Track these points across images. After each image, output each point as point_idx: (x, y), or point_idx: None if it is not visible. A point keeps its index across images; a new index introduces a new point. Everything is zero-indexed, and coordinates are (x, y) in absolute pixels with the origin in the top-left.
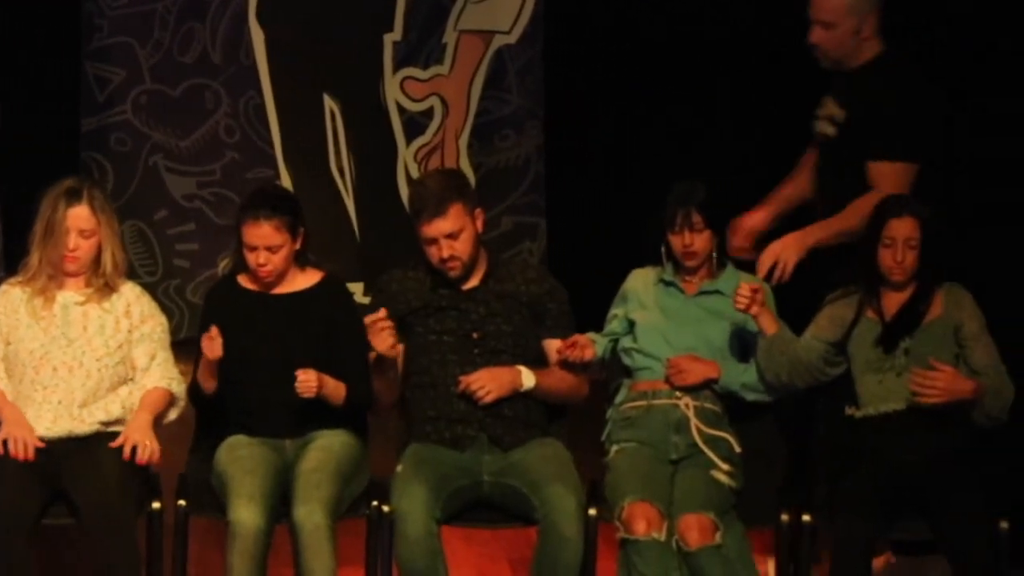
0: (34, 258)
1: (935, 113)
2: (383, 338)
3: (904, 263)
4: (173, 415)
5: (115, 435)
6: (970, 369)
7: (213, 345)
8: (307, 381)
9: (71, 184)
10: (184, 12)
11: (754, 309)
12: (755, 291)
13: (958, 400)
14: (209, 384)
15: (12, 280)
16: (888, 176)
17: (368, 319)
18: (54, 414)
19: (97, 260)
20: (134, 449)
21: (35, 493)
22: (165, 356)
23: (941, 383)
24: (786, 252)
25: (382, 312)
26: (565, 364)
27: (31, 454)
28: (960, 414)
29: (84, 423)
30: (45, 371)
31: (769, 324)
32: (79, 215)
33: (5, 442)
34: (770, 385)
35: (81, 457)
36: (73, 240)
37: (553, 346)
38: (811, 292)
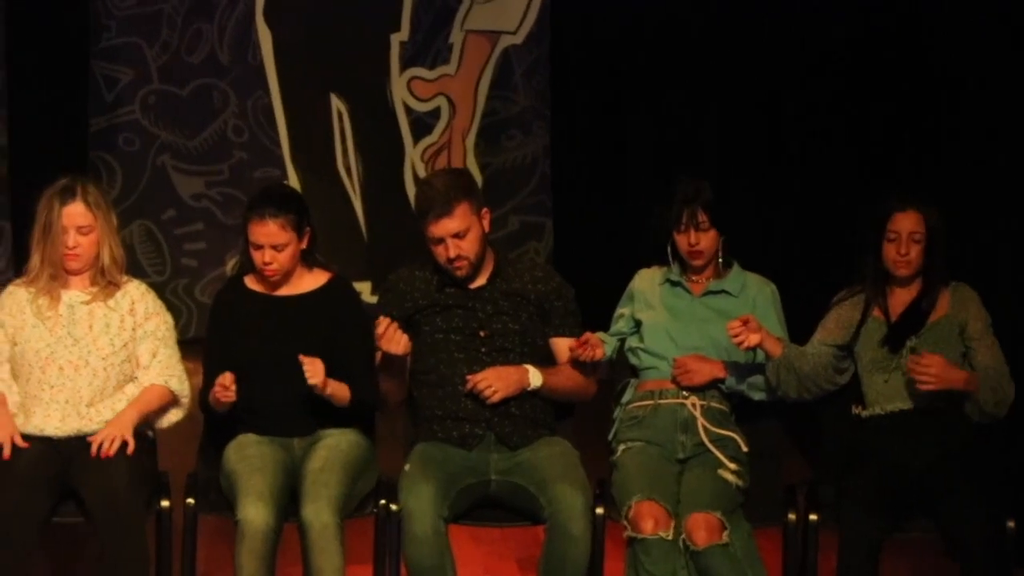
0: (35, 259)
1: None
2: (396, 341)
3: (908, 256)
4: (178, 415)
5: None
6: (973, 369)
7: (227, 394)
8: (313, 364)
9: (65, 183)
10: (192, 12)
11: (753, 340)
12: (745, 322)
13: (950, 391)
14: (221, 409)
15: (18, 281)
16: None
17: (378, 332)
18: (62, 413)
19: (97, 257)
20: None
21: (44, 492)
22: (168, 353)
23: (933, 369)
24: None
25: (384, 321)
26: (575, 363)
27: (6, 454)
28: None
29: (92, 422)
30: (52, 371)
31: (773, 347)
32: (75, 212)
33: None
34: (781, 400)
35: (90, 456)
36: (72, 238)
37: (560, 344)
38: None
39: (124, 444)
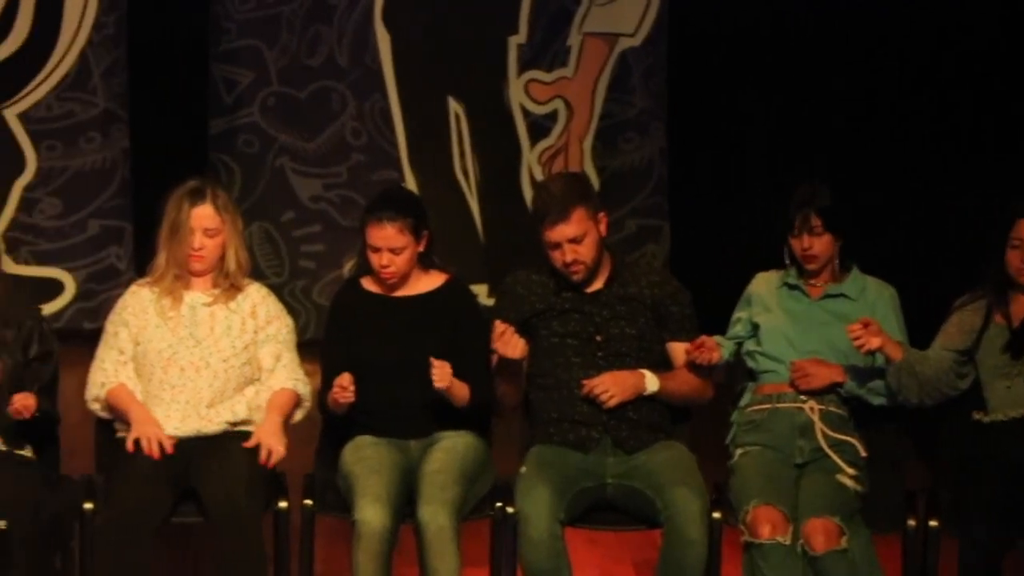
0: (161, 258)
1: None
2: (512, 345)
3: None
4: (299, 416)
5: (242, 434)
6: None
7: (345, 394)
8: (442, 367)
9: (195, 184)
10: (311, 15)
11: (874, 343)
12: (865, 325)
13: None
14: (339, 411)
15: (141, 281)
16: None
17: (495, 335)
18: (182, 414)
19: (222, 259)
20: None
21: (165, 491)
22: (291, 357)
23: None
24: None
25: (501, 324)
26: (691, 366)
27: (168, 448)
28: None
29: (211, 423)
30: (173, 371)
31: (893, 351)
32: (203, 214)
33: (137, 441)
34: (902, 405)
35: (209, 456)
36: (198, 239)
37: (677, 349)
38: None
39: (250, 445)
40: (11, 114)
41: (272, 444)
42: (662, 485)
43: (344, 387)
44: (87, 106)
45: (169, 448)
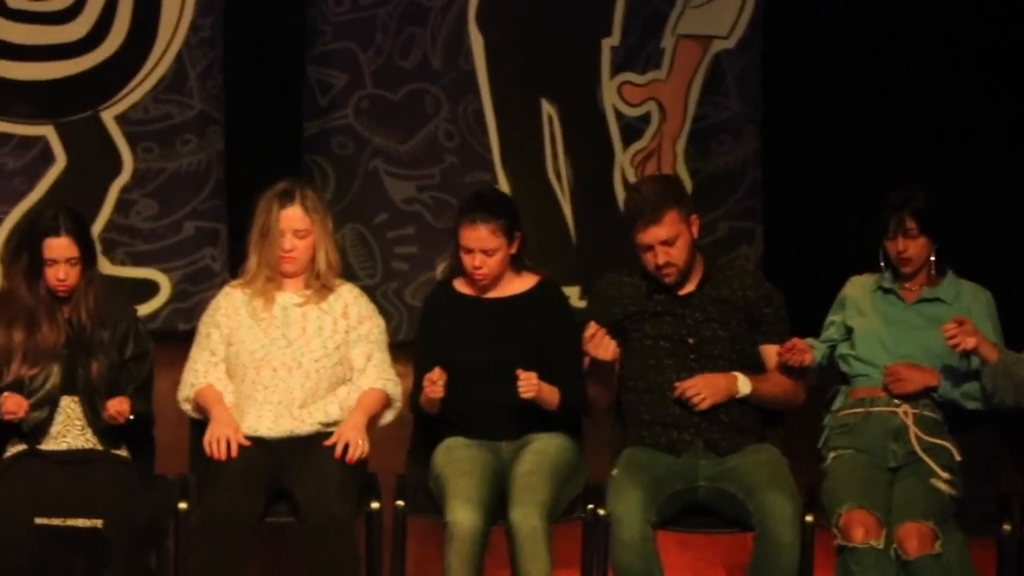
0: (252, 261)
1: None
2: (604, 347)
3: None
4: (390, 417)
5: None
6: None
7: (435, 388)
8: (528, 380)
9: (284, 186)
10: (405, 17)
11: (969, 343)
12: (961, 324)
13: None
14: (432, 410)
15: (234, 282)
16: None
17: (587, 337)
18: (275, 414)
19: (313, 260)
20: (346, 447)
21: (258, 492)
22: (382, 357)
23: None
24: None
25: (593, 326)
26: (783, 368)
27: (234, 452)
28: None
29: (304, 423)
30: (265, 372)
31: (988, 352)
32: (292, 216)
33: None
34: (996, 408)
35: (302, 457)
36: (288, 241)
37: (769, 351)
38: None
39: (331, 443)
40: (108, 116)
41: (351, 438)
42: (754, 488)
43: (434, 381)
44: (183, 108)
45: (236, 451)
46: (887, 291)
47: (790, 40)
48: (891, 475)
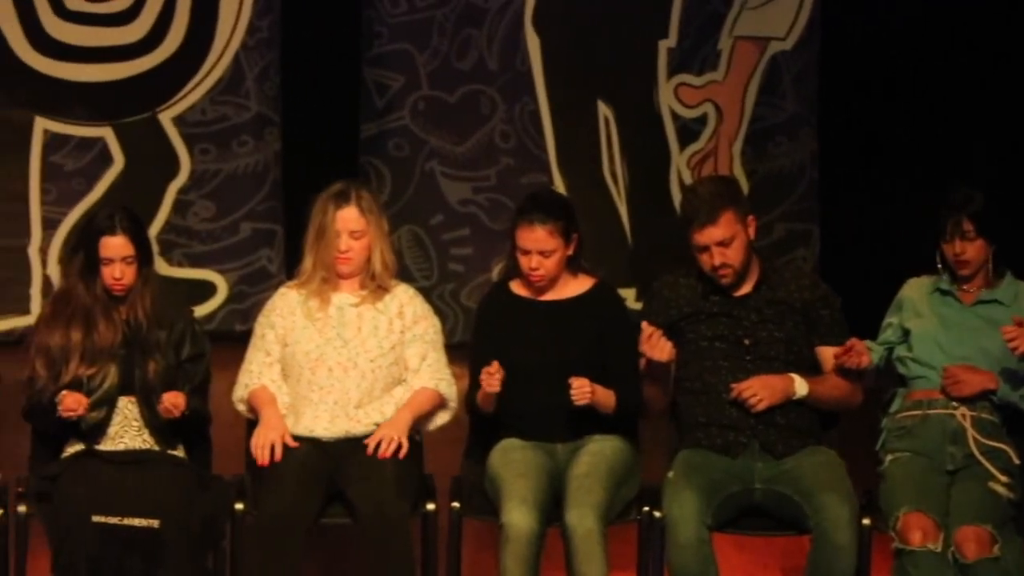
0: (308, 261)
1: None
2: (660, 348)
3: None
4: (445, 418)
5: None
6: None
7: (492, 380)
8: (581, 387)
9: (340, 187)
10: (462, 19)
11: None
12: (1020, 324)
13: None
14: (488, 407)
15: (290, 283)
16: None
17: (643, 338)
18: (331, 415)
19: (369, 261)
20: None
21: (314, 493)
22: (436, 357)
23: None
24: None
25: (649, 327)
26: (840, 371)
27: (278, 456)
28: None
29: (360, 424)
30: (321, 372)
31: None
32: (348, 217)
33: (272, 447)
34: None
35: (358, 458)
36: (344, 242)
37: (826, 353)
38: None
39: (398, 446)
40: (166, 118)
41: (387, 434)
42: (811, 490)
43: (491, 373)
44: (240, 110)
45: (279, 454)
46: (945, 293)
47: (848, 41)
48: (949, 478)
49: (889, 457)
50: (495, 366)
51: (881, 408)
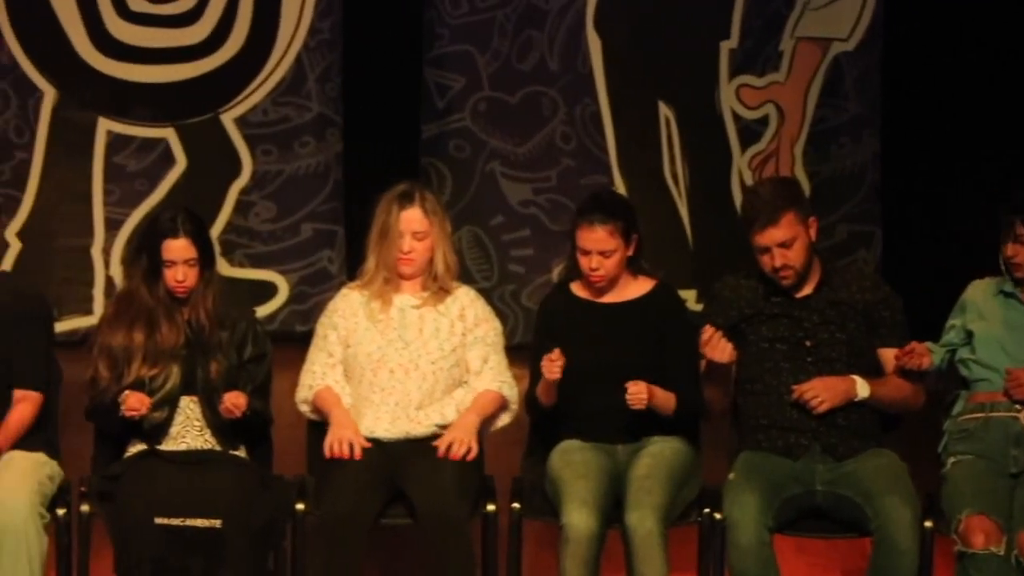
0: (370, 262)
1: None
2: (721, 349)
3: None
4: (506, 419)
5: None
6: None
7: (553, 367)
8: (637, 393)
9: (404, 188)
10: (522, 20)
11: None
12: None
13: None
14: (547, 400)
15: (352, 284)
16: None
17: (703, 340)
18: (391, 416)
19: (431, 262)
20: (451, 446)
21: (375, 493)
22: (498, 359)
23: None
24: None
25: (709, 329)
26: (901, 372)
27: (357, 454)
28: None
29: (420, 425)
30: (382, 373)
31: None
32: (412, 218)
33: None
34: None
35: (418, 459)
36: (407, 243)
37: (888, 355)
38: None
39: (440, 445)
40: (228, 119)
41: (458, 437)
42: (872, 493)
43: (552, 360)
44: (301, 111)
45: (359, 452)
46: (1008, 295)
47: (910, 41)
48: (1012, 481)
49: (951, 460)
50: (556, 353)
51: (943, 410)
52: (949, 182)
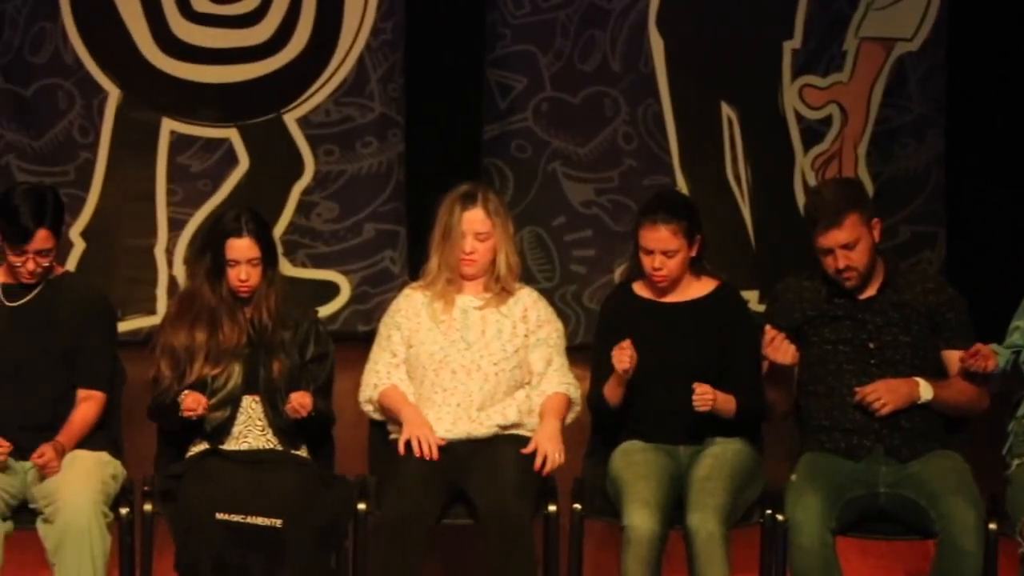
0: (433, 262)
1: None
2: (783, 351)
3: None
4: (568, 419)
5: (512, 438)
6: None
7: (623, 356)
8: (704, 395)
9: (467, 188)
10: (585, 20)
11: None
12: None
13: None
14: (615, 395)
15: (414, 284)
16: None
17: (766, 341)
18: (453, 416)
19: (493, 263)
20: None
21: (437, 493)
22: (561, 361)
23: None
24: None
25: (772, 330)
26: (966, 374)
27: (435, 453)
28: None
29: (482, 426)
30: (444, 374)
31: None
32: (474, 218)
33: (408, 443)
34: None
35: (480, 459)
36: (469, 243)
37: (952, 357)
38: None
39: (528, 451)
40: (291, 119)
41: (550, 450)
42: (936, 495)
43: (623, 348)
44: (364, 111)
45: (436, 453)
46: None
47: (975, 41)
48: None
49: (1016, 462)
50: (627, 342)
51: (1008, 412)
52: (1013, 182)
